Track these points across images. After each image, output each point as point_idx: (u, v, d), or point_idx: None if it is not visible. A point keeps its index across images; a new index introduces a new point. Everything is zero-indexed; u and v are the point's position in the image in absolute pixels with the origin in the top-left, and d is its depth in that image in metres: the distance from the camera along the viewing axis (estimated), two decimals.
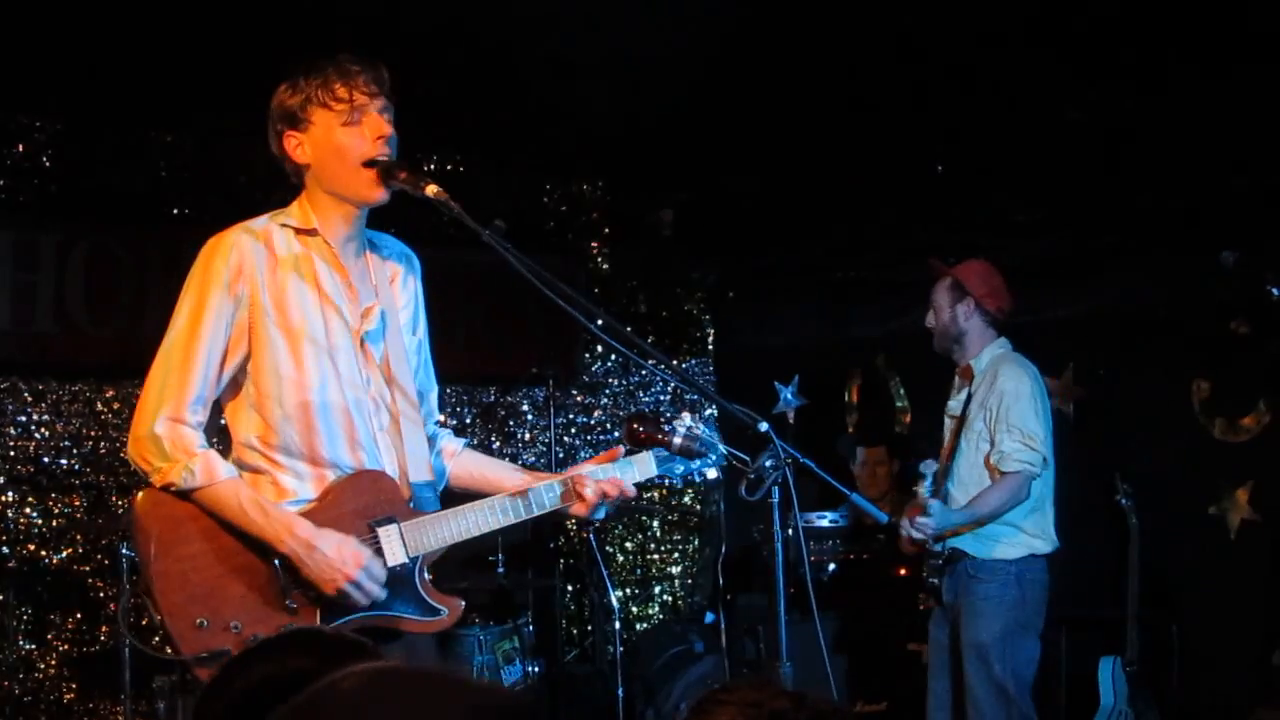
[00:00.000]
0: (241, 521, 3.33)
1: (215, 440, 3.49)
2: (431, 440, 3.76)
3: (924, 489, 5.72)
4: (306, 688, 1.49)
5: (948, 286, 6.00)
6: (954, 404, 6.04)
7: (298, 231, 3.52)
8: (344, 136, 3.45)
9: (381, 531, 3.46)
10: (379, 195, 3.49)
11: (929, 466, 5.80)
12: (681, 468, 3.72)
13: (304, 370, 3.44)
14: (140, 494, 3.36)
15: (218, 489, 3.34)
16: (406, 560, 3.47)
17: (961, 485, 5.86)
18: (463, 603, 3.59)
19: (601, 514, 3.61)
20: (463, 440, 3.92)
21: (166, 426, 3.35)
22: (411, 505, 3.55)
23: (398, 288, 3.69)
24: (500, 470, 3.82)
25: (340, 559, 3.33)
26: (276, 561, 3.34)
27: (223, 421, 3.59)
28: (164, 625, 3.24)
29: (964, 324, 5.96)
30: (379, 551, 3.45)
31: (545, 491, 3.59)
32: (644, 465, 3.70)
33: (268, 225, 3.51)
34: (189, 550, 3.31)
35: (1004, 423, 5.70)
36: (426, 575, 3.56)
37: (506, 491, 3.61)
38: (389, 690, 1.45)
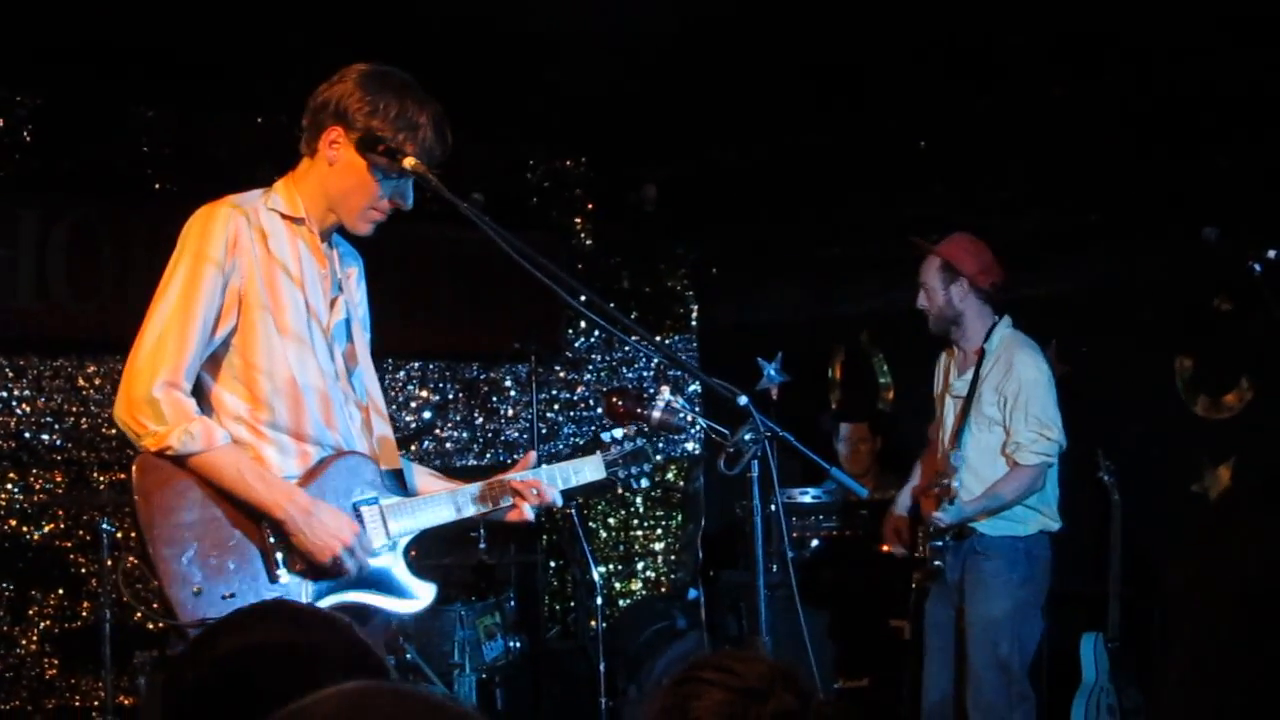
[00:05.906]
0: (240, 488, 3.32)
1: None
2: None
3: (956, 481, 5.63)
4: (282, 706, 1.44)
5: (938, 268, 5.81)
6: (959, 384, 5.88)
7: (284, 217, 3.53)
8: (378, 183, 3.52)
9: (365, 512, 3.52)
10: (366, 231, 3.60)
11: (960, 459, 5.70)
12: (623, 474, 3.96)
13: (288, 348, 3.46)
14: (137, 459, 3.30)
15: (217, 454, 3.31)
16: (387, 540, 3.53)
17: (973, 471, 5.71)
18: (435, 586, 3.65)
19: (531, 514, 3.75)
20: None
21: (164, 391, 3.29)
22: (389, 488, 3.61)
23: (353, 285, 3.74)
24: (426, 479, 3.85)
25: (337, 526, 3.37)
26: (267, 530, 3.34)
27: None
28: (162, 591, 3.21)
29: (960, 305, 5.81)
30: None
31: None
32: (593, 467, 3.93)
33: (256, 204, 3.50)
34: (187, 519, 3.28)
35: (1023, 412, 5.62)
36: (406, 557, 3.61)
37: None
38: (368, 714, 1.41)
